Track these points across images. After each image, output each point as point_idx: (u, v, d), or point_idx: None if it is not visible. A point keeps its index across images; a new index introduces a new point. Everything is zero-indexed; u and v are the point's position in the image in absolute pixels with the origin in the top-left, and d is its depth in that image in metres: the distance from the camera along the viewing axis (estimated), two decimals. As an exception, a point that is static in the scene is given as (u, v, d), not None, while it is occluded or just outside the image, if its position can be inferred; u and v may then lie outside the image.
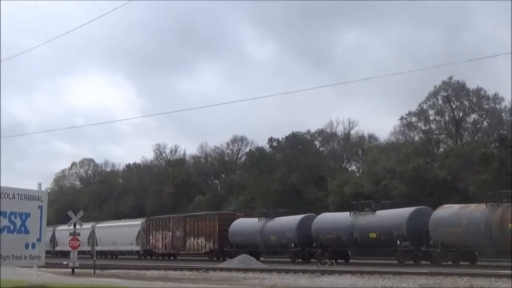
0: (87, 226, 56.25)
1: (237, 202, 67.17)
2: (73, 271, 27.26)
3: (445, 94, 58.74)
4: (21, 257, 16.39)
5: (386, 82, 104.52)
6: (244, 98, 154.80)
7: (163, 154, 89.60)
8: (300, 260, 39.74)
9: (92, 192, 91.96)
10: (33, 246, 16.70)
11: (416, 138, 61.19)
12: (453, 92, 58.54)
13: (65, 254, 49.79)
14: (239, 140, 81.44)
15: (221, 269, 28.39)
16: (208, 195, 74.20)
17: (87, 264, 30.99)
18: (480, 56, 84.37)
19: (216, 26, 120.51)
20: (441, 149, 60.39)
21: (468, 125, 59.88)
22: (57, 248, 61.93)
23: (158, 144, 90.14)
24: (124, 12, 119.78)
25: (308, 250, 40.05)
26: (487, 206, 30.66)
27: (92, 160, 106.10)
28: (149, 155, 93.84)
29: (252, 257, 35.03)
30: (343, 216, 38.76)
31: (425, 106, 59.61)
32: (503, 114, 57.59)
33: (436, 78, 61.63)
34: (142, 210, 74.22)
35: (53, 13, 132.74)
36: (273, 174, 68.60)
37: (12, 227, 16.09)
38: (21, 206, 16.39)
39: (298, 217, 41.57)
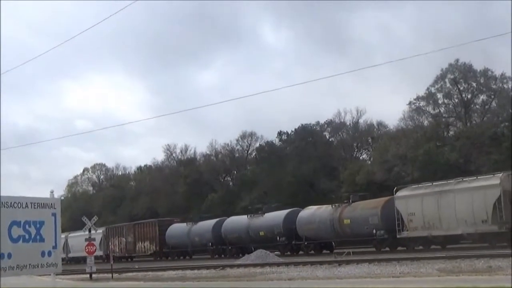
0: (62, 236, 59.26)
1: (250, 198, 67.14)
2: (90, 276, 27.38)
3: (452, 76, 58.41)
4: (38, 266, 16.37)
5: (399, 67, 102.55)
6: (256, 90, 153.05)
7: (174, 154, 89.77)
8: (216, 256, 47.71)
9: (105, 197, 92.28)
10: (49, 253, 16.68)
11: (426, 122, 60.84)
12: (460, 74, 58.16)
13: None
14: (248, 136, 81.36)
15: (238, 266, 28.36)
16: (221, 193, 74.24)
17: (103, 269, 31.12)
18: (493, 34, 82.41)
19: (228, 13, 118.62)
20: (451, 132, 60.00)
21: (477, 106, 59.40)
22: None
23: (168, 144, 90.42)
24: (132, 8, 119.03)
25: (221, 247, 47.93)
26: (332, 207, 39.69)
27: (103, 165, 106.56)
28: (160, 156, 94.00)
29: (268, 252, 35.17)
30: (243, 219, 47.00)
31: (433, 90, 59.29)
32: (511, 94, 57.08)
33: (447, 60, 60.29)
34: (155, 212, 74.31)
35: (58, 12, 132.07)
36: (284, 167, 68.49)
37: (27, 236, 16.07)
38: (35, 214, 16.37)
39: (213, 221, 49.48)
